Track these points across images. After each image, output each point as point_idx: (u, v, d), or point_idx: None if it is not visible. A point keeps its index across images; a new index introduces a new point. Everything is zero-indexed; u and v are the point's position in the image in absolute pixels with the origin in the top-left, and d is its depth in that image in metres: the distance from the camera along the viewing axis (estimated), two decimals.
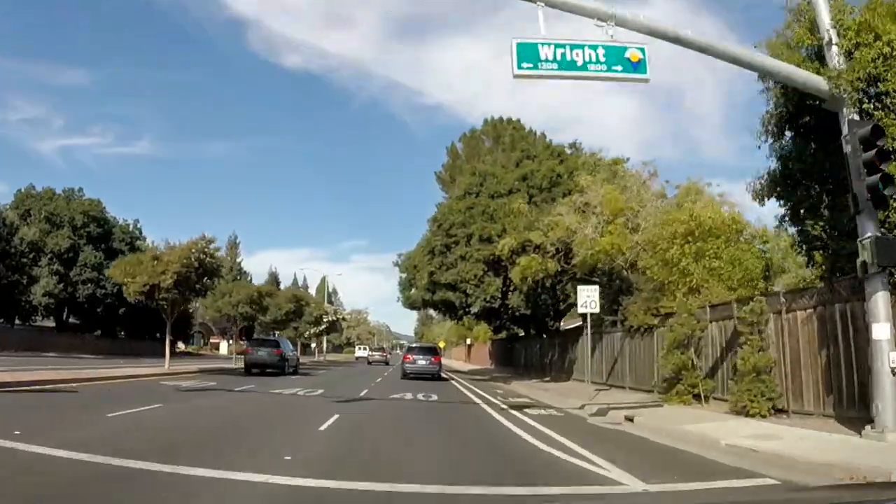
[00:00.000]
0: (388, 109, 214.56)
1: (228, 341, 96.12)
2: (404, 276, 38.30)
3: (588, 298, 18.20)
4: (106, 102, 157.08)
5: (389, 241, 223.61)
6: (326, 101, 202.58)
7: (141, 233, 65.47)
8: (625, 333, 21.16)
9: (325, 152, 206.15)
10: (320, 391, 18.79)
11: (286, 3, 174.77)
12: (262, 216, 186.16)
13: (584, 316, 30.19)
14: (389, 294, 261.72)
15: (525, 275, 21.14)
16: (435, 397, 17.89)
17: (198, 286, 24.44)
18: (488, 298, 24.29)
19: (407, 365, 28.74)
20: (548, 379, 29.17)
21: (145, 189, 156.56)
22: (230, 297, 31.30)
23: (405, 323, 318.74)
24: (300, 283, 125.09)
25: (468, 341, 60.69)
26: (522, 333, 41.20)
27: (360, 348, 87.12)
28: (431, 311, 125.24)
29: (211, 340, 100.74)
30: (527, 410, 15.10)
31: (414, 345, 37.50)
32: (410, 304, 38.36)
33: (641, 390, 19.60)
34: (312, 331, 55.17)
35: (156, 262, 23.26)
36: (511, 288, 24.44)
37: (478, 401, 17.83)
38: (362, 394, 18.43)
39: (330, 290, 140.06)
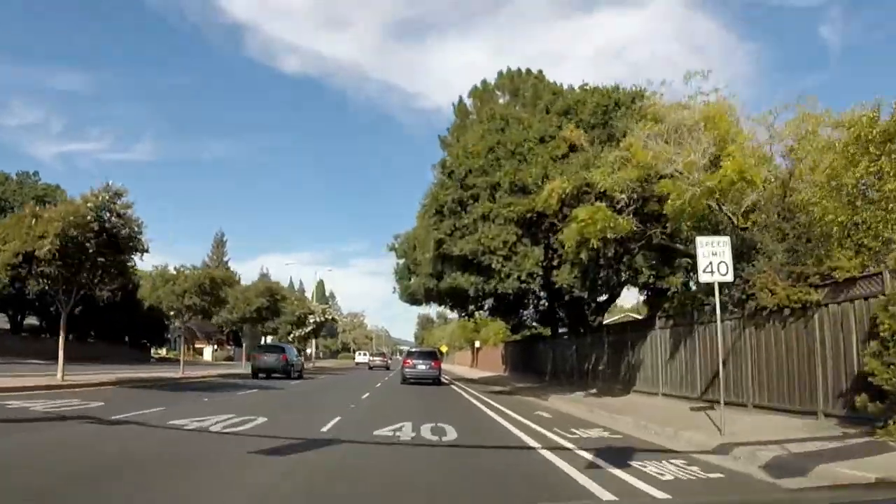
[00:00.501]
0: (387, 112, 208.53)
1: (213, 347, 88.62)
2: (402, 262, 30.79)
3: (714, 258, 10.57)
4: (103, 106, 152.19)
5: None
6: (325, 105, 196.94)
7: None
8: (744, 321, 13.57)
9: (324, 156, 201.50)
10: (259, 421, 11.11)
11: (284, 8, 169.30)
12: (260, 219, 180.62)
13: (652, 302, 22.65)
14: (389, 298, 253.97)
15: (585, 234, 13.52)
16: (453, 434, 10.13)
17: (101, 260, 16.79)
18: (524, 276, 16.53)
19: (407, 370, 27.86)
20: (594, 391, 21.57)
21: (143, 191, 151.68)
22: (174, 284, 23.79)
23: (405, 328, 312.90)
24: (297, 286, 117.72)
25: (477, 344, 52.56)
26: (549, 332, 33.68)
27: (359, 354, 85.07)
28: (433, 313, 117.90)
29: (196, 345, 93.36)
30: (639, 466, 7.47)
31: (414, 350, 35.99)
32: (410, 297, 30.82)
33: (785, 411, 12.00)
34: (297, 332, 47.54)
35: (34, 222, 15.70)
36: (556, 262, 16.81)
37: (529, 439, 10.12)
38: (327, 427, 10.69)
39: (327, 293, 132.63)
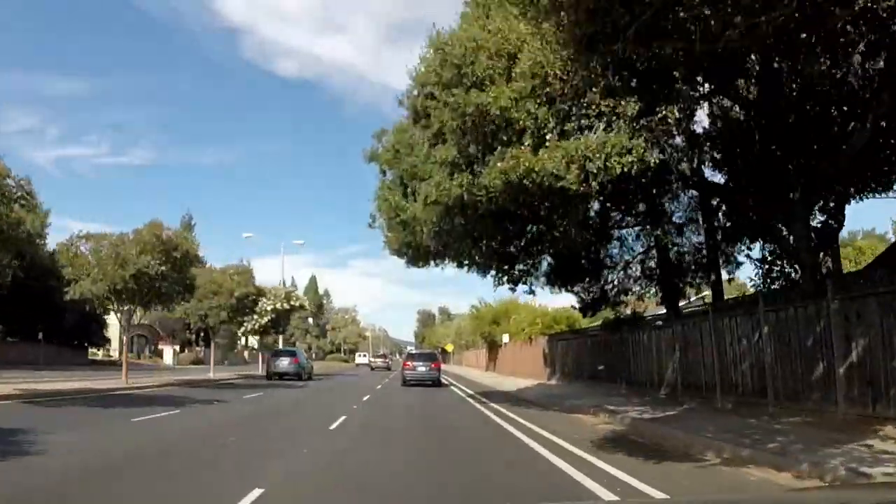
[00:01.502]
0: (386, 115, 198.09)
1: (174, 348, 74.40)
2: (389, 175, 16.54)
3: None
4: (99, 110, 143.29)
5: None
6: (323, 107, 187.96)
7: (32, 196, 43.79)
8: None
9: (321, 157, 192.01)
10: None
11: (281, 12, 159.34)
12: (257, 222, 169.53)
13: None
14: (389, 299, 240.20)
15: None
16: None
17: None
18: None
19: (407, 372, 28.33)
20: None
21: (140, 197, 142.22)
22: None
23: (404, 329, 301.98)
24: (289, 284, 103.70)
25: (505, 339, 37.07)
26: (638, 314, 19.59)
27: (360, 356, 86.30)
28: (436, 308, 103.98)
29: (159, 346, 79.28)
30: None
31: (414, 351, 37.36)
32: (404, 242, 16.56)
33: None
34: (249, 324, 33.35)
35: None
36: None
37: None
38: None
39: (321, 291, 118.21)
